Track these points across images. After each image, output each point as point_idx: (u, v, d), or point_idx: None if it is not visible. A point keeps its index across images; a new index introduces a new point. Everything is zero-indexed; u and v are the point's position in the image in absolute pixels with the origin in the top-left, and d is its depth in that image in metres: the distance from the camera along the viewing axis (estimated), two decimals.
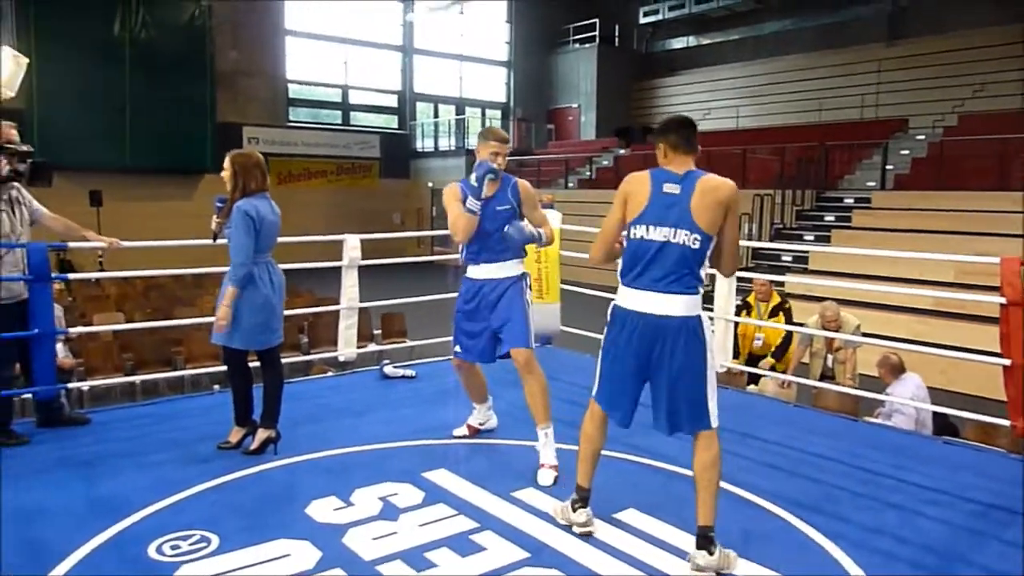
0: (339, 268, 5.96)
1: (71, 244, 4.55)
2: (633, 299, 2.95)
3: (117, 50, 18.44)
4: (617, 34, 26.17)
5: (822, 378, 6.47)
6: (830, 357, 6.63)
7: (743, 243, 5.67)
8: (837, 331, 6.23)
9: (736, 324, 6.03)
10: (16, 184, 4.10)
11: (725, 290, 5.48)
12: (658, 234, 2.88)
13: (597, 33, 25.71)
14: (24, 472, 3.75)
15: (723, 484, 3.65)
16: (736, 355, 6.35)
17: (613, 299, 3.10)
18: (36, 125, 17.63)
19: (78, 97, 17.71)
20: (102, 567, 2.87)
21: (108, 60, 18.22)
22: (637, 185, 2.97)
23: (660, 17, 25.12)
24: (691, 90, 25.55)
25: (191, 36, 19.54)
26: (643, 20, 25.78)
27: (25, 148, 4.08)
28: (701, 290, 2.95)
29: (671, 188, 2.89)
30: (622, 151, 22.31)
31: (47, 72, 17.61)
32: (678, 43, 26.35)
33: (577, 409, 4.72)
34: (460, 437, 4.33)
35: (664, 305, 2.89)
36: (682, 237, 2.86)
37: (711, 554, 2.92)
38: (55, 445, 4.16)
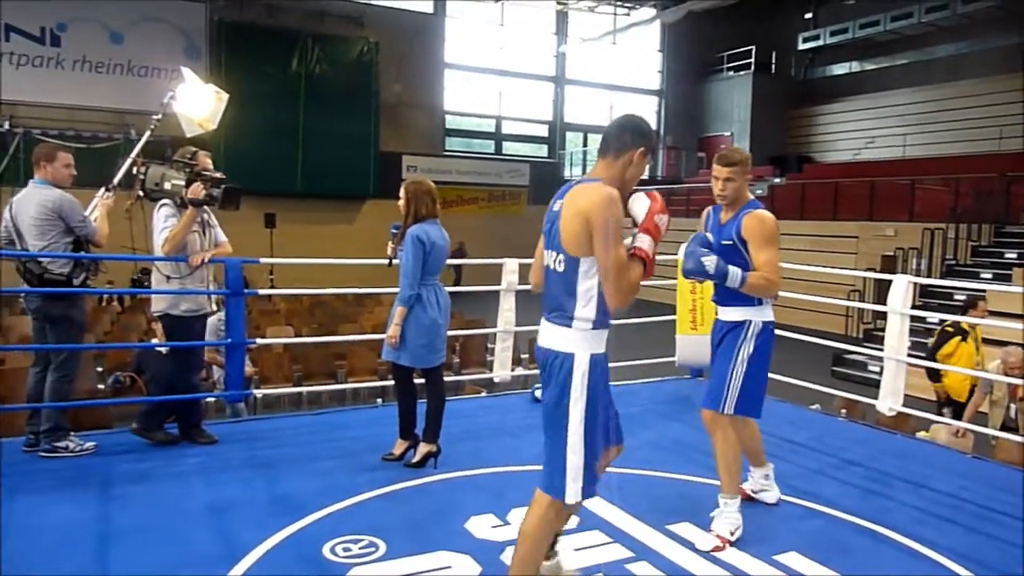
0: (486, 292, 6.14)
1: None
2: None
3: (293, 85, 20.02)
4: (774, 61, 25.45)
5: (1003, 428, 5.95)
6: (1013, 407, 6.09)
7: (912, 279, 5.36)
8: (1022, 378, 5.73)
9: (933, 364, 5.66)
10: (207, 208, 4.51)
11: (896, 330, 5.18)
12: (547, 258, 2.59)
13: (753, 60, 25.12)
14: (217, 469, 4.15)
15: (895, 535, 3.48)
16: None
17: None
18: (222, 154, 19.44)
19: (258, 128, 19.34)
20: (283, 562, 3.11)
21: (285, 94, 19.82)
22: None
23: (821, 43, 24.18)
24: (853, 117, 24.37)
25: (359, 71, 20.90)
26: (802, 46, 24.92)
27: (219, 175, 4.49)
28: (580, 324, 2.48)
29: (556, 205, 2.56)
30: (777, 180, 21.57)
31: (233, 104, 19.32)
32: (840, 69, 25.24)
33: None
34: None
35: (543, 334, 2.58)
36: (551, 260, 2.55)
37: None
38: (242, 447, 4.55)
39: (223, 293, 4.66)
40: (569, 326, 2.50)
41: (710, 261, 3.30)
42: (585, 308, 2.48)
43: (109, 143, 15.75)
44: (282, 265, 13.71)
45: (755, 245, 3.42)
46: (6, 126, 16.74)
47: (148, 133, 4.67)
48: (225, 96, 4.95)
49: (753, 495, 3.88)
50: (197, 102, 4.84)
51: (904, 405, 5.29)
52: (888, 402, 5.20)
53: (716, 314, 3.69)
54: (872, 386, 5.46)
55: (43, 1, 17.72)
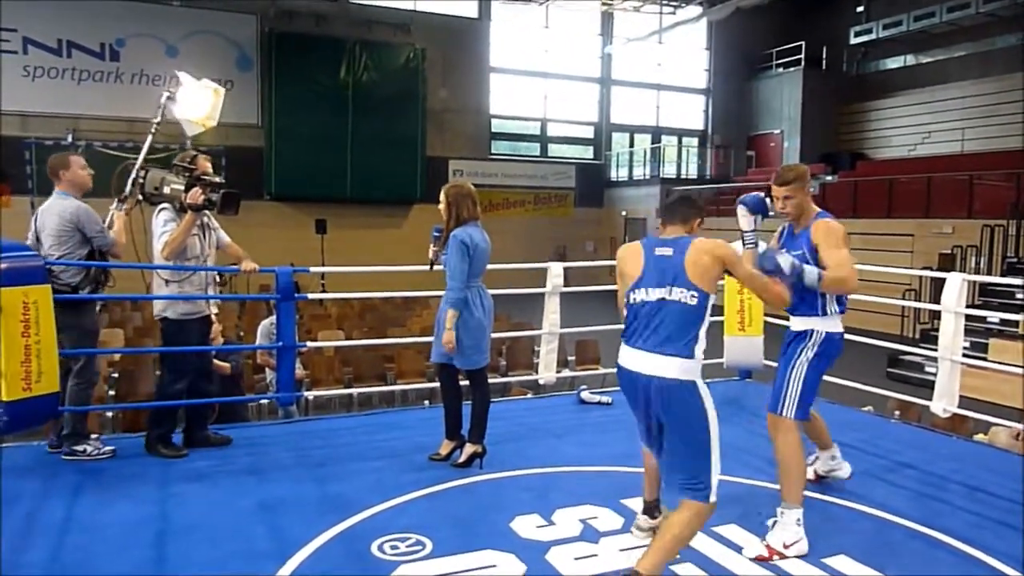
0: (533, 294, 6.17)
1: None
2: (627, 357, 3.00)
3: (341, 92, 20.36)
4: (824, 56, 24.95)
5: None
6: None
7: (966, 277, 5.22)
8: None
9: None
10: (207, 212, 4.48)
11: (951, 329, 5.05)
12: (660, 293, 2.95)
13: (803, 56, 24.65)
14: (268, 468, 4.26)
15: (948, 539, 3.41)
16: None
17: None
18: (274, 162, 19.92)
19: (308, 136, 19.75)
20: (332, 559, 3.19)
21: (334, 102, 20.18)
22: (629, 253, 3.12)
23: (873, 36, 23.60)
24: (907, 112, 23.73)
25: (406, 78, 21.14)
26: (854, 40, 24.36)
27: (218, 180, 4.48)
28: (699, 353, 2.91)
29: (663, 251, 3.00)
30: (828, 177, 21.10)
31: (283, 113, 19.87)
32: (893, 63, 24.60)
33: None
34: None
35: (652, 365, 2.90)
36: (677, 295, 2.92)
37: None
38: (293, 447, 4.67)
39: (274, 298, 4.78)
40: (691, 356, 2.89)
41: (785, 260, 3.33)
42: (702, 339, 2.92)
43: (166, 153, 16.23)
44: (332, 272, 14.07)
45: (825, 248, 3.45)
46: (69, 139, 17.40)
47: (149, 137, 4.68)
48: (222, 90, 4.92)
49: (825, 476, 3.98)
50: (195, 102, 4.81)
51: (961, 407, 5.16)
52: (943, 403, 5.08)
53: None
54: (929, 388, 5.32)
55: (104, 18, 18.40)
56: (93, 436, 4.54)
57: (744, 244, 3.63)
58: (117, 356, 8.27)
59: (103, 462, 4.27)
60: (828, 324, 3.54)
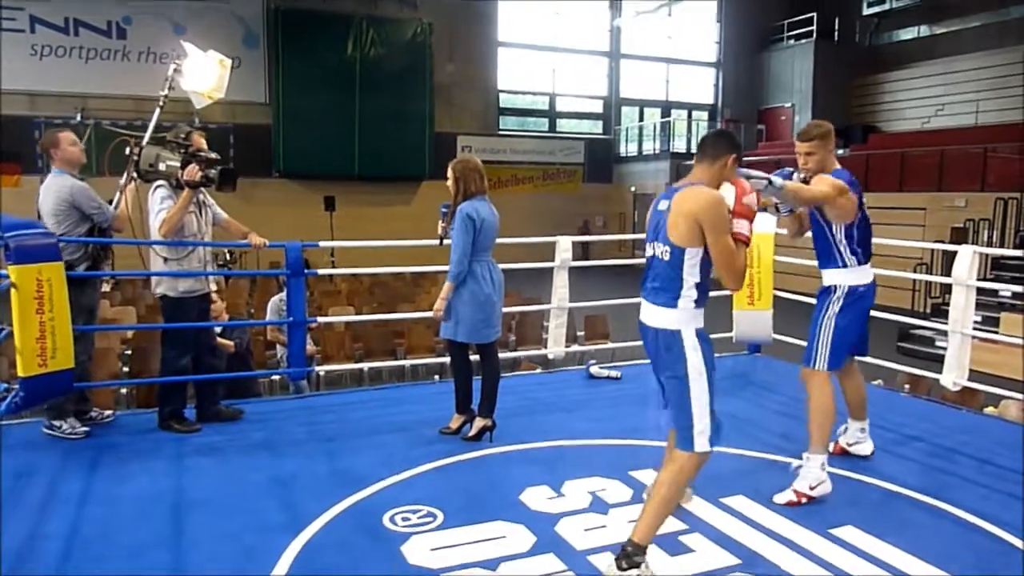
0: (543, 270, 6.17)
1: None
2: (641, 310, 3.05)
3: (348, 68, 20.27)
4: (837, 27, 24.61)
5: None
6: None
7: (978, 249, 5.19)
8: None
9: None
10: (203, 189, 4.44)
11: (962, 302, 5.03)
12: (653, 249, 2.99)
13: (815, 27, 24.33)
14: (281, 443, 4.31)
15: (957, 511, 3.43)
16: None
17: None
18: (282, 139, 19.90)
19: (316, 113, 19.69)
20: (345, 531, 3.24)
21: (341, 79, 20.09)
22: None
23: (887, 7, 23.28)
24: (921, 84, 23.41)
25: (413, 53, 21.03)
26: (867, 11, 24.02)
27: (214, 156, 4.43)
28: (685, 304, 2.88)
29: (663, 204, 2.95)
30: (840, 151, 20.86)
31: (290, 90, 19.81)
32: (907, 34, 24.25)
33: (787, 421, 4.61)
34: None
35: (650, 315, 2.96)
36: (658, 250, 2.93)
37: (623, 571, 2.76)
38: (305, 422, 4.72)
39: (284, 273, 4.81)
40: (675, 307, 2.89)
41: (776, 179, 3.44)
42: (688, 291, 2.88)
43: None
44: (341, 248, 14.07)
45: (815, 181, 3.59)
46: (78, 118, 17.44)
47: (157, 111, 4.65)
48: (228, 61, 4.84)
49: (847, 447, 4.04)
50: (202, 74, 4.75)
51: (972, 381, 5.15)
52: (952, 376, 5.07)
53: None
54: (939, 362, 5.31)
55: None
56: (108, 412, 4.61)
57: (779, 212, 3.78)
58: (130, 334, 8.34)
59: (117, 438, 4.33)
60: (851, 277, 3.69)
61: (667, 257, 2.88)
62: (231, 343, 6.13)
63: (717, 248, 2.83)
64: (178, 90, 4.78)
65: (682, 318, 2.89)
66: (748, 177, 3.24)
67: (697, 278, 2.88)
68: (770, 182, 3.42)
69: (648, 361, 3.09)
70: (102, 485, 3.67)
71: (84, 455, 4.04)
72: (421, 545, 3.08)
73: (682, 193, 2.89)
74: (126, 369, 7.41)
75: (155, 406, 4.61)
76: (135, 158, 4.35)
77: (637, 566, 2.76)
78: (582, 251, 18.37)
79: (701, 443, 2.86)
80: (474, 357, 4.47)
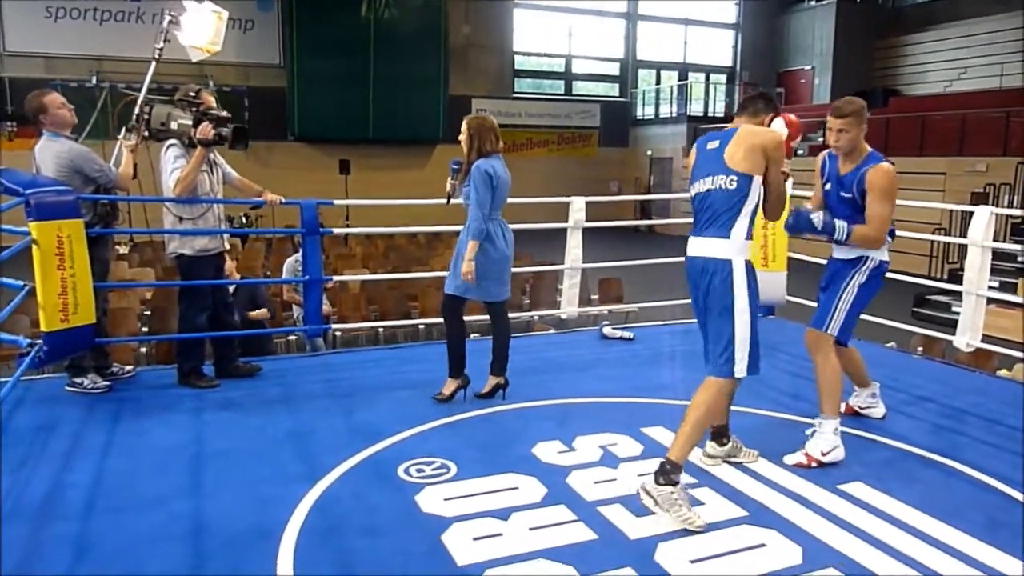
0: (557, 234, 6.18)
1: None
2: (688, 246, 3.23)
3: (363, 31, 20.08)
4: None
5: None
6: None
7: (995, 210, 5.14)
8: None
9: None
10: (213, 147, 4.43)
11: (977, 263, 5.00)
12: (709, 183, 3.15)
13: None
14: (298, 398, 4.39)
15: (966, 468, 3.45)
16: None
17: None
18: (296, 102, 19.83)
19: (330, 76, 19.57)
20: (360, 481, 3.31)
21: (355, 41, 19.92)
22: (691, 153, 3.33)
23: None
24: (944, 47, 22.92)
25: (428, 14, 20.79)
26: None
27: (224, 114, 4.42)
28: (739, 234, 3.08)
29: (712, 144, 3.19)
30: None
31: (305, 53, 19.68)
32: None
33: (798, 381, 4.63)
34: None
35: (700, 246, 3.15)
36: (719, 183, 3.10)
37: (659, 485, 2.94)
38: (321, 379, 4.79)
39: (300, 232, 4.85)
40: (727, 237, 3.09)
41: (817, 218, 3.58)
42: (740, 223, 3.09)
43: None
44: (356, 208, 14.06)
45: (872, 196, 3.53)
46: (93, 81, 17.43)
47: (153, 64, 4.61)
48: (225, 14, 4.72)
49: (860, 410, 4.10)
50: (199, 27, 4.68)
51: (985, 343, 5.13)
52: (966, 338, 5.06)
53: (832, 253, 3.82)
54: (955, 328, 5.29)
55: None
56: (128, 367, 4.70)
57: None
58: (149, 295, 8.44)
59: (138, 393, 4.43)
60: (881, 252, 3.69)
61: (733, 185, 3.07)
62: (266, 312, 6.24)
63: (775, 177, 3.14)
64: (175, 44, 4.71)
65: (732, 248, 3.08)
66: (812, 230, 3.55)
67: (753, 205, 3.11)
68: (833, 230, 3.54)
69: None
70: (123, 437, 3.76)
71: (106, 408, 4.14)
72: (435, 495, 3.15)
73: (745, 128, 3.16)
74: (145, 329, 7.52)
75: (174, 363, 4.69)
76: (146, 117, 4.35)
77: (673, 483, 2.94)
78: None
79: (740, 369, 3.09)
80: (483, 317, 4.47)
